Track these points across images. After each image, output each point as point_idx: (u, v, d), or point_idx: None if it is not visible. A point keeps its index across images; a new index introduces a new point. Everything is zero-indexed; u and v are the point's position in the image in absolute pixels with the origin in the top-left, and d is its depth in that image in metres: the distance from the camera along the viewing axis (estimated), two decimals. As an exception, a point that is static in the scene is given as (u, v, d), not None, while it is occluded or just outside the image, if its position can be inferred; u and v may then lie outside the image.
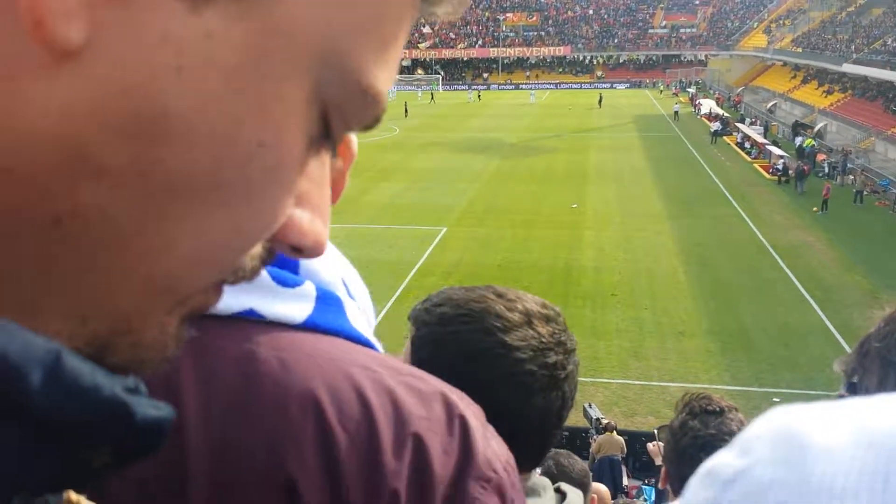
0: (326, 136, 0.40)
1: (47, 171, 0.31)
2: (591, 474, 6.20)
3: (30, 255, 0.33)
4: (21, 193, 0.31)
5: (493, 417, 1.12)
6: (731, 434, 2.35)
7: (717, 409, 2.53)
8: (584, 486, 5.23)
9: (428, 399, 0.70)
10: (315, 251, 0.45)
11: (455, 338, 1.17)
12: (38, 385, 0.32)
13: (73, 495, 0.41)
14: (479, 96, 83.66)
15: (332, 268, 0.80)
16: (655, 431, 2.59)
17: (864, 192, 32.98)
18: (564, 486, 1.23)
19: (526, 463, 1.20)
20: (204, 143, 0.33)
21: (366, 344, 0.78)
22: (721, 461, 0.52)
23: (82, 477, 0.36)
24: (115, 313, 0.37)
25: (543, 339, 1.17)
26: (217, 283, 0.42)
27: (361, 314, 0.83)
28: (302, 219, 0.43)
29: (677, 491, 2.50)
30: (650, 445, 11.75)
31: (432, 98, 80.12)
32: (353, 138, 0.83)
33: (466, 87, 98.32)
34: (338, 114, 0.39)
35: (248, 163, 0.36)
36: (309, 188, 0.43)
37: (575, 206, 31.10)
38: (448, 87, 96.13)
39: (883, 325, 1.03)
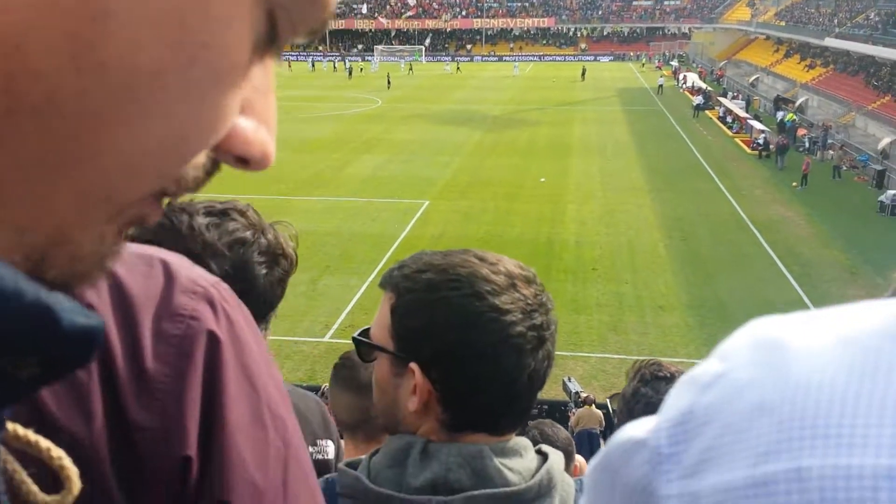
0: (272, 39, 0.39)
1: None
2: (574, 443, 6.30)
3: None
4: None
5: (491, 381, 1.15)
6: None
7: (668, 374, 2.58)
8: (568, 454, 5.32)
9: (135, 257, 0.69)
10: (262, 163, 0.43)
11: (447, 303, 1.16)
12: None
13: (19, 430, 0.41)
14: (458, 67, 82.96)
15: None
16: (608, 401, 2.69)
17: (843, 168, 33.24)
18: (546, 447, 1.25)
19: (512, 424, 1.22)
20: (145, 45, 0.32)
21: None
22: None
23: (11, 391, 0.35)
24: (53, 223, 0.36)
25: (529, 301, 1.18)
26: (157, 194, 0.40)
27: None
28: (247, 128, 0.42)
29: None
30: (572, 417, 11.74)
31: (411, 69, 79.37)
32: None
33: (449, 58, 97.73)
34: (285, 14, 0.38)
35: (191, 65, 0.34)
36: (253, 96, 0.42)
37: (543, 180, 31.16)
38: (431, 59, 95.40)
39: None
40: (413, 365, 1.18)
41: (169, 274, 0.68)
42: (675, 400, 0.53)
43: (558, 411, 12.86)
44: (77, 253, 0.38)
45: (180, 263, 0.71)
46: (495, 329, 1.14)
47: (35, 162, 0.33)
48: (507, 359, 1.15)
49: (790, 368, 0.46)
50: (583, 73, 71.12)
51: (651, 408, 2.33)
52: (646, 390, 2.54)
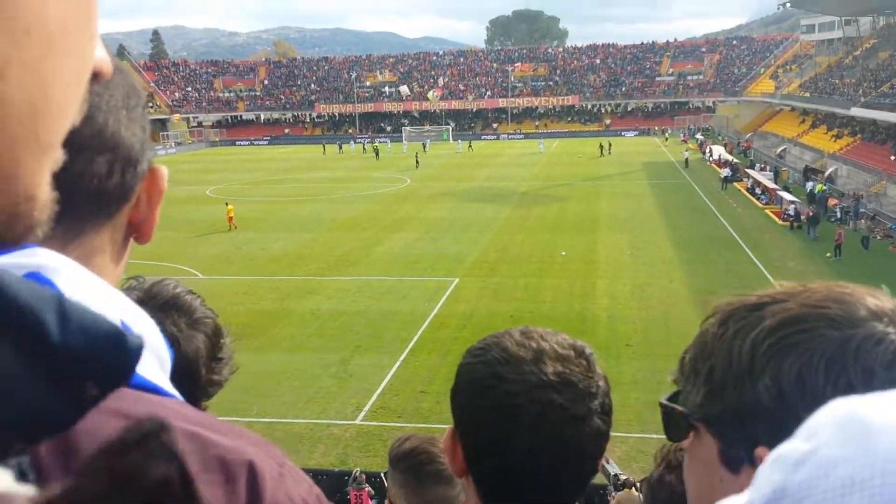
0: None
1: None
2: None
3: None
4: None
5: (482, 447, 1.20)
6: None
7: None
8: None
9: (215, 461, 0.66)
10: (108, 74, 0.48)
11: (467, 369, 1.23)
12: (53, 323, 0.36)
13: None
14: (469, 146, 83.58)
15: (110, 311, 0.76)
16: (637, 484, 2.60)
17: (873, 237, 32.81)
18: None
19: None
20: (50, 5, 0.37)
21: (160, 391, 0.76)
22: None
23: (77, 412, 0.39)
24: (25, 180, 0.39)
25: (544, 378, 1.18)
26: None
27: (151, 356, 0.80)
28: (103, 55, 0.47)
29: None
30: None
31: (425, 148, 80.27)
32: (162, 173, 0.84)
33: (476, 137, 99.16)
34: None
35: (90, 8, 0.39)
36: None
37: (563, 253, 31.08)
38: (458, 138, 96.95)
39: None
40: (449, 430, 1.26)
41: (255, 491, 0.65)
42: (767, 477, 0.54)
43: (597, 495, 12.48)
44: (38, 206, 0.41)
45: (269, 470, 0.68)
46: (492, 396, 1.18)
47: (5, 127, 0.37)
48: (501, 427, 1.17)
49: (877, 444, 0.48)
50: (601, 149, 71.10)
51: (676, 496, 2.30)
52: (671, 478, 2.46)
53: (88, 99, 0.46)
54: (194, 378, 1.62)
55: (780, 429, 0.78)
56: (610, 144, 74.06)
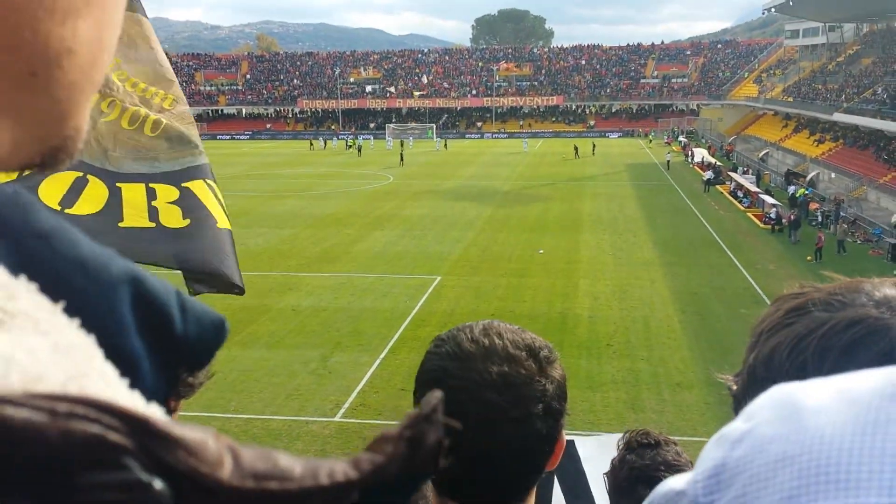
0: None
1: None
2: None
3: (14, 102, 0.39)
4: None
5: None
6: (667, 464, 2.42)
7: (653, 441, 2.57)
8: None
9: None
10: None
11: (427, 358, 1.26)
12: (178, 316, 0.40)
13: None
14: (445, 145, 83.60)
15: None
16: (604, 477, 2.61)
17: (849, 241, 33.05)
18: None
19: (482, 497, 1.23)
20: None
21: None
22: (730, 427, 0.60)
23: (171, 392, 0.44)
24: (74, 119, 0.44)
25: (487, 377, 1.19)
26: None
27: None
28: None
29: None
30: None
31: (402, 147, 79.91)
32: None
33: (460, 135, 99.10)
34: None
35: None
36: None
37: (541, 251, 31.09)
38: (441, 137, 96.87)
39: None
40: None
41: None
42: (709, 455, 0.60)
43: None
44: (82, 135, 0.46)
45: None
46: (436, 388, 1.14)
47: (69, 83, 0.42)
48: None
49: (807, 424, 0.54)
50: (575, 151, 70.98)
51: (635, 472, 2.39)
52: (630, 457, 2.50)
53: None
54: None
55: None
56: (594, 146, 74.23)
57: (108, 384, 0.38)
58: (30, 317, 0.35)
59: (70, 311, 0.38)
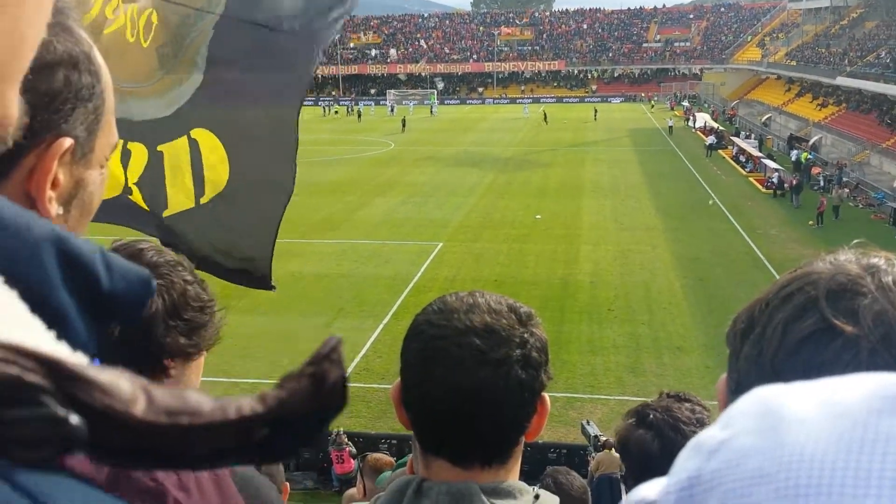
0: None
1: None
2: (589, 491, 6.11)
3: None
4: None
5: (424, 393, 1.24)
6: (663, 408, 2.52)
7: (677, 396, 2.66)
8: (583, 502, 5.14)
9: None
10: None
11: (413, 321, 1.31)
12: (103, 273, 0.44)
13: None
14: (431, 111, 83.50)
15: None
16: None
17: (851, 205, 33.11)
18: (544, 494, 1.27)
19: (477, 455, 1.25)
20: None
21: None
22: (706, 434, 0.56)
23: (98, 348, 0.47)
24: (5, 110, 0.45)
25: (469, 324, 1.23)
26: None
27: None
28: None
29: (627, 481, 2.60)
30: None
31: (392, 110, 79.36)
32: (58, 144, 0.80)
33: (459, 101, 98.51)
34: None
35: None
36: None
37: (538, 217, 31.12)
38: (443, 102, 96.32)
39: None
40: (395, 381, 1.31)
41: None
42: (683, 464, 0.57)
43: (577, 456, 12.61)
44: (11, 122, 0.48)
45: None
46: (420, 340, 1.25)
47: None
48: (423, 367, 1.23)
49: (787, 439, 0.50)
50: (545, 118, 70.69)
51: (646, 448, 2.45)
52: (640, 432, 2.54)
53: None
54: (147, 337, 1.65)
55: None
56: (596, 111, 73.82)
57: (30, 333, 0.39)
58: None
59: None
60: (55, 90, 0.78)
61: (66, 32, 0.78)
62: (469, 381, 1.20)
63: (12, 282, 0.41)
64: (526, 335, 1.25)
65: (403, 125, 65.82)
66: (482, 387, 1.20)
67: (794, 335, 0.80)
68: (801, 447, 0.49)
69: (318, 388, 0.42)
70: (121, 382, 0.36)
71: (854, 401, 0.50)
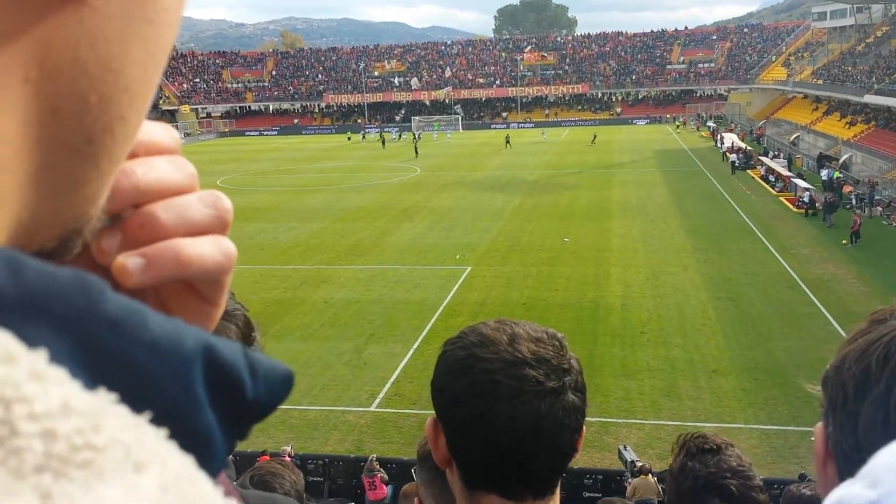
0: None
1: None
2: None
3: (65, 171, 0.38)
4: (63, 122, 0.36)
5: (464, 426, 1.23)
6: (732, 470, 2.41)
7: (714, 446, 2.56)
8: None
9: None
10: None
11: (444, 356, 1.29)
12: (248, 381, 0.40)
13: None
14: (446, 136, 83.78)
15: None
16: (653, 470, 2.60)
17: (885, 223, 32.52)
18: None
19: (526, 485, 1.24)
20: (128, 63, 0.39)
21: None
22: (850, 493, 0.51)
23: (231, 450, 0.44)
24: (91, 210, 0.42)
25: (519, 355, 1.22)
26: None
27: None
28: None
29: None
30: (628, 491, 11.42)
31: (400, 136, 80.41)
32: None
33: (486, 126, 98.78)
34: None
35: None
36: None
37: (567, 240, 30.95)
38: (467, 128, 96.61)
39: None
40: (429, 419, 1.30)
41: None
42: None
43: (614, 482, 12.41)
44: (94, 221, 0.43)
45: None
46: (469, 374, 1.22)
47: (102, 166, 0.40)
48: (480, 403, 1.20)
49: None
50: (594, 139, 70.92)
51: (700, 481, 2.40)
52: (693, 464, 2.50)
53: None
54: None
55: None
56: (595, 136, 73.50)
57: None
58: (120, 443, 0.30)
59: (155, 420, 0.34)
60: None
61: None
62: (530, 412, 1.20)
63: (163, 415, 0.36)
64: (572, 360, 1.28)
65: (416, 151, 66.17)
66: (543, 417, 1.21)
67: None
68: None
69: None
70: None
71: None
